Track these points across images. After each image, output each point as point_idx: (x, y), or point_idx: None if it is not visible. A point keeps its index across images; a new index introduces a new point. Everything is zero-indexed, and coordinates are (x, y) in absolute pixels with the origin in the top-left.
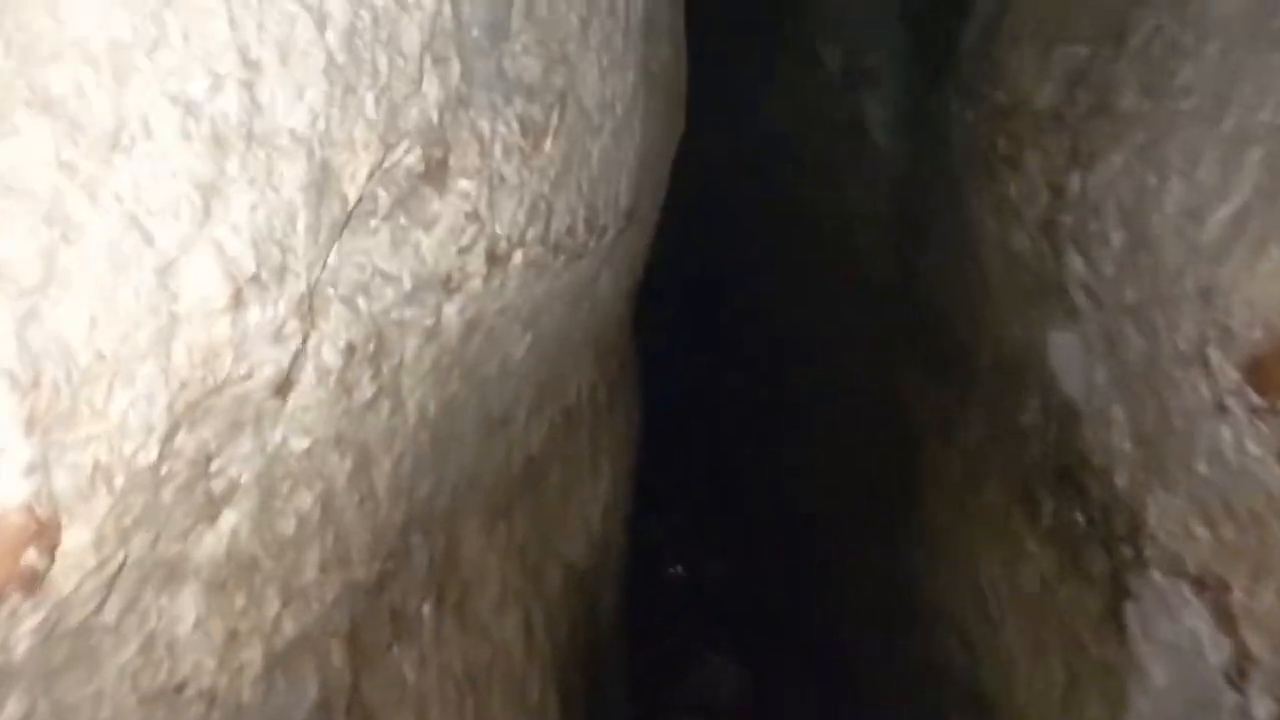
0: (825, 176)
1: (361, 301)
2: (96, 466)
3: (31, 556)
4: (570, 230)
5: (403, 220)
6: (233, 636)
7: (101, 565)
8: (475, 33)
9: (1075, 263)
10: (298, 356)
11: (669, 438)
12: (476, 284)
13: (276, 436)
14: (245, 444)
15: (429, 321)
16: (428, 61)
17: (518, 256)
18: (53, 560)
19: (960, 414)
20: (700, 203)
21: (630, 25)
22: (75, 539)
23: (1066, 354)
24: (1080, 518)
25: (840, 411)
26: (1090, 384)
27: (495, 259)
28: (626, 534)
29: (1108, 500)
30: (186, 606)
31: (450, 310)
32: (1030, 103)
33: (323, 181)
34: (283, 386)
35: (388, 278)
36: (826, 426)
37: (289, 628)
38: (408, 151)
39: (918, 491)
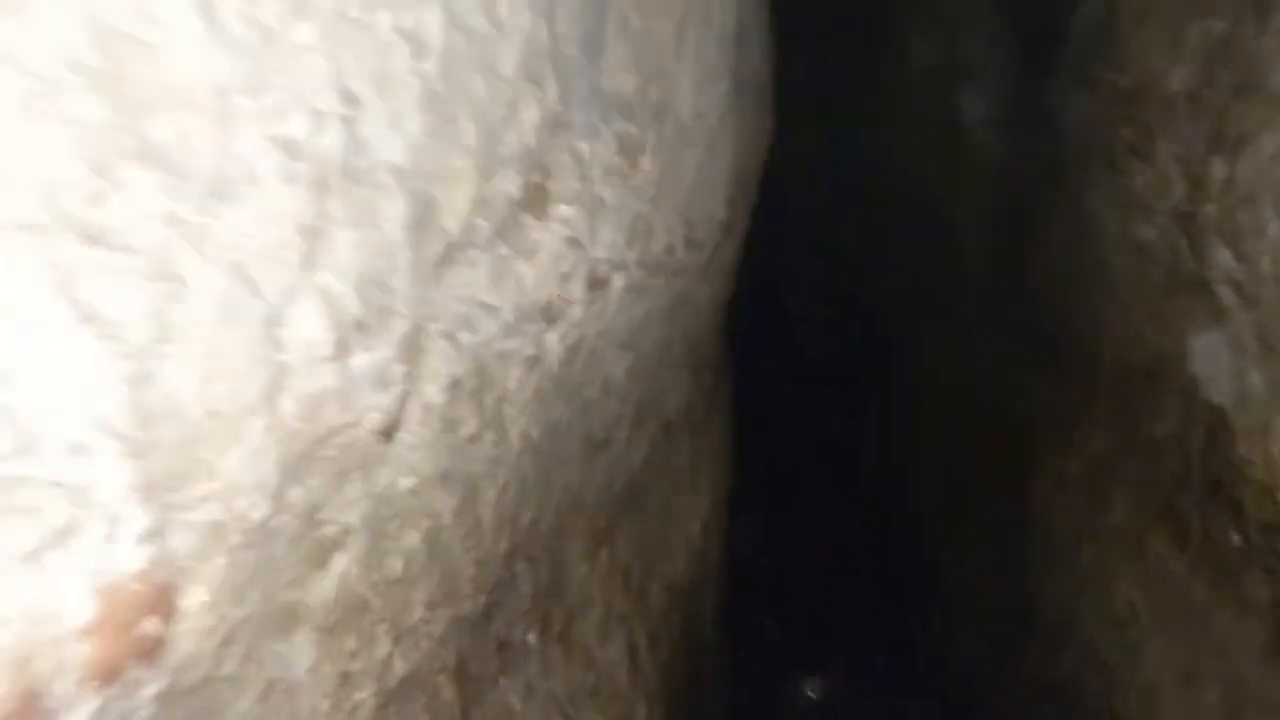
0: (922, 172)
1: (464, 335)
2: (212, 526)
3: (150, 625)
4: (669, 249)
5: (503, 250)
6: (345, 679)
7: (219, 623)
8: (571, 49)
9: (1222, 257)
10: (403, 398)
11: (766, 442)
12: (578, 310)
13: (383, 478)
14: (353, 490)
15: (531, 351)
16: (524, 83)
17: (618, 280)
18: (171, 626)
19: (1082, 419)
20: (793, 205)
21: (723, 32)
22: (193, 600)
23: (1211, 356)
24: (1236, 538)
25: (945, 413)
26: (1243, 390)
27: (596, 284)
28: (725, 548)
29: (1271, 520)
30: (301, 651)
31: (552, 338)
32: (1160, 86)
33: (423, 216)
34: (388, 430)
35: (489, 310)
36: (931, 429)
37: (399, 667)
38: (507, 179)
39: (1036, 501)
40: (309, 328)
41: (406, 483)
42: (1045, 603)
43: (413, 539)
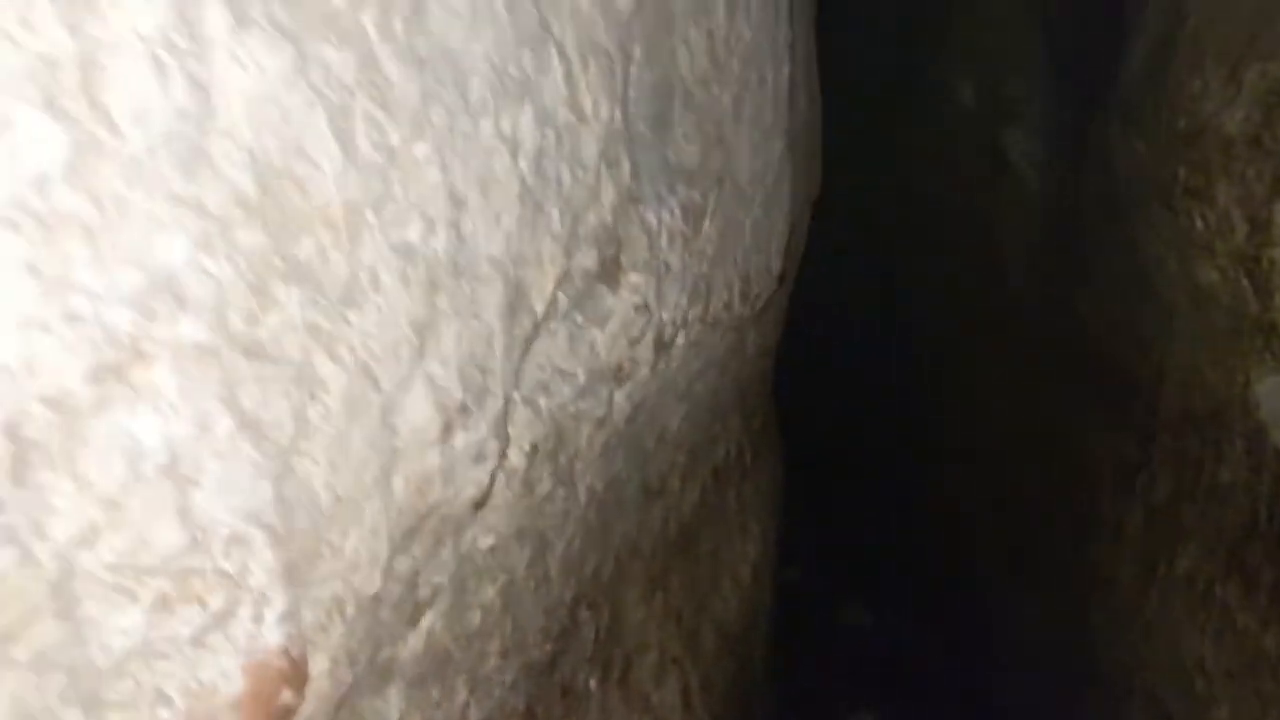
0: (967, 213)
1: (542, 400)
2: (334, 600)
3: (287, 696)
4: (727, 305)
5: (579, 319)
6: None
7: (336, 687)
8: (642, 128)
9: None
10: (495, 470)
11: (812, 480)
12: (645, 371)
13: (468, 539)
14: (445, 554)
15: (601, 412)
16: (603, 167)
17: (681, 339)
18: (304, 697)
19: (1143, 463)
20: (838, 252)
21: (777, 93)
22: (317, 668)
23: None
24: None
25: (998, 453)
26: None
27: (662, 345)
28: (773, 590)
29: None
30: (393, 704)
31: (619, 397)
32: (1218, 128)
33: (515, 301)
34: (482, 500)
35: (565, 375)
36: (983, 469)
37: (474, 714)
38: (586, 255)
39: (1095, 544)
40: (418, 414)
41: (487, 541)
42: (1107, 652)
43: (489, 593)
